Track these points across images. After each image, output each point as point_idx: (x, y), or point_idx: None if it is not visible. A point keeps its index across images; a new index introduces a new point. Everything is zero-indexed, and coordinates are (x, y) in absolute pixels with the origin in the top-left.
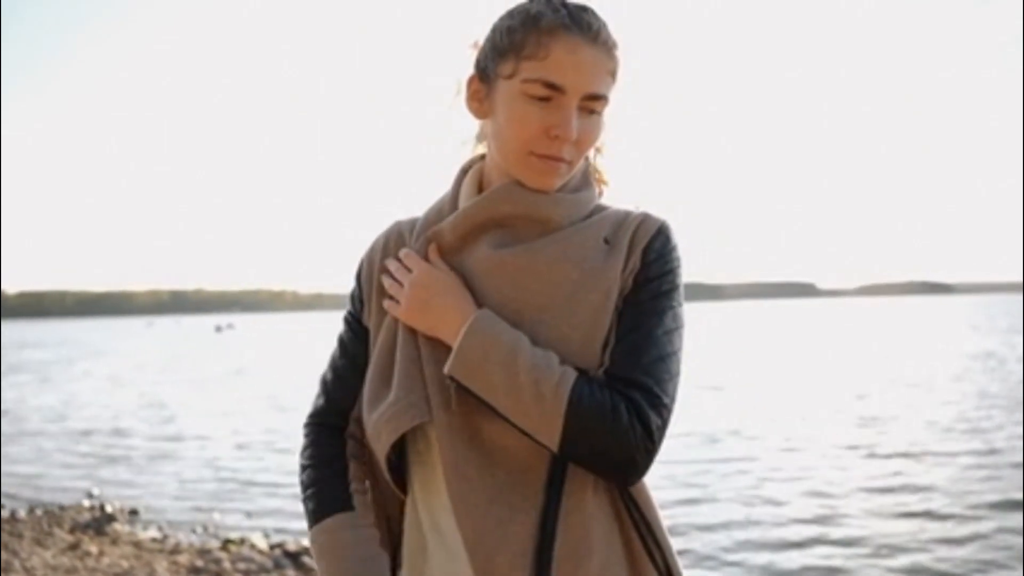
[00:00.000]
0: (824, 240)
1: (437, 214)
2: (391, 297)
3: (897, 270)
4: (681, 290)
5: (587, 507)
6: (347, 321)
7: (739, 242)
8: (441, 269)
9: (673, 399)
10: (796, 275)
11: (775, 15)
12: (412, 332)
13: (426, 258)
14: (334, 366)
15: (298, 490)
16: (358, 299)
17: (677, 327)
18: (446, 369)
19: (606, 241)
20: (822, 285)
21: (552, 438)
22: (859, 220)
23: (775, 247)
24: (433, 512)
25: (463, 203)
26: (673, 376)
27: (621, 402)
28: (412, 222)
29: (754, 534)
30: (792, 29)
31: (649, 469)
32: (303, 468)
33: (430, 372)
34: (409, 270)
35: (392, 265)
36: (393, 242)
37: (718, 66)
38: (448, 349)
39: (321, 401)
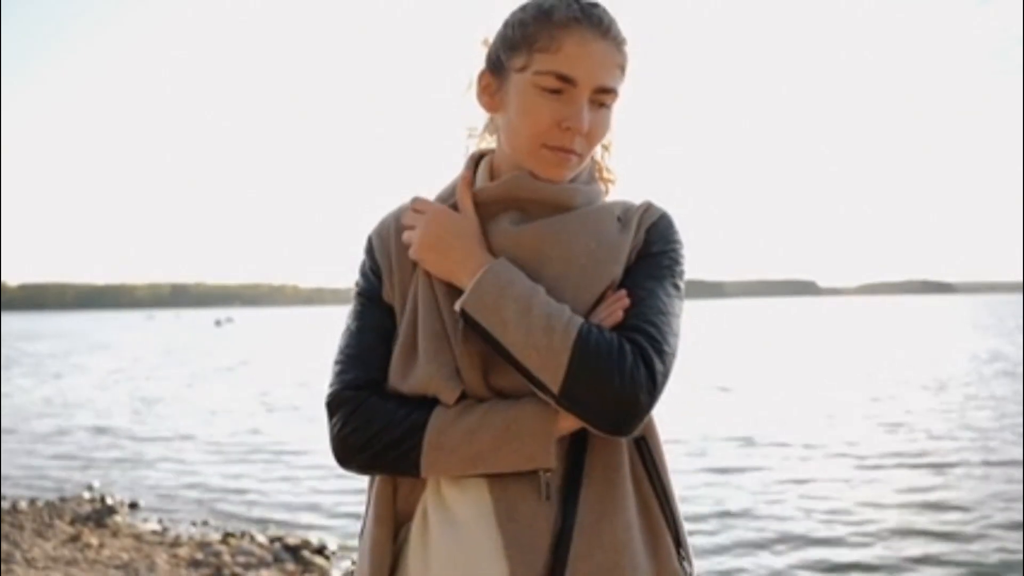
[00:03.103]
0: (825, 238)
1: (450, 195)
2: (410, 275)
3: (898, 269)
4: (682, 270)
5: (611, 469)
6: (363, 295)
7: (740, 240)
8: (462, 214)
9: (675, 351)
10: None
11: (776, 14)
12: (435, 306)
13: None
14: (359, 340)
15: (297, 488)
16: (373, 273)
17: (677, 297)
18: (459, 304)
19: (619, 219)
20: (823, 283)
21: (556, 373)
22: (860, 218)
23: (776, 245)
24: (440, 490)
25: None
26: (675, 332)
27: (627, 344)
28: None
29: (760, 542)
30: (793, 28)
31: (645, 419)
32: (367, 422)
33: (458, 347)
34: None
35: (407, 216)
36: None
37: (720, 65)
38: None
39: (355, 373)
